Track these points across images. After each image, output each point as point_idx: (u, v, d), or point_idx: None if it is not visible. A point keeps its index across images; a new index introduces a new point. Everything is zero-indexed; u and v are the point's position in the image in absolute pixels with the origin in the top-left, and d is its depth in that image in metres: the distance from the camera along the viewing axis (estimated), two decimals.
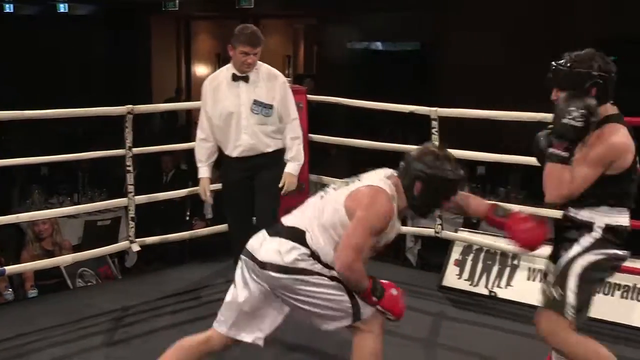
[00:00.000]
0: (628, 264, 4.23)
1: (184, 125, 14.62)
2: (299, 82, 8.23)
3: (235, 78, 4.32)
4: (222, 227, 5.44)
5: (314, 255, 2.81)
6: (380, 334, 2.89)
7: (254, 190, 4.44)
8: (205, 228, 5.83)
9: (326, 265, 2.82)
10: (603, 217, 2.87)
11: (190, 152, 4.75)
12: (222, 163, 4.51)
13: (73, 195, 7.50)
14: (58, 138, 10.10)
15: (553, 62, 2.89)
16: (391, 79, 11.19)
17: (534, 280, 4.66)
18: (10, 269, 4.55)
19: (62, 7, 14.00)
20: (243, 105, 4.29)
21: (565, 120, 2.71)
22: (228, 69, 4.37)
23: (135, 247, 4.77)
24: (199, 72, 15.99)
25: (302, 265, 2.80)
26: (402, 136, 7.94)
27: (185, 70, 15.98)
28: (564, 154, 2.75)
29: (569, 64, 2.84)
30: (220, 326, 2.97)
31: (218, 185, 4.70)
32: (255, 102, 4.29)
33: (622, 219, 2.89)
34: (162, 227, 5.99)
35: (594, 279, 2.92)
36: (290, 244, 2.82)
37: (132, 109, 4.65)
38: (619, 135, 2.79)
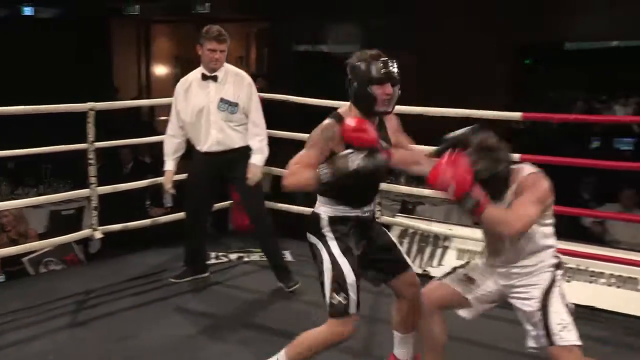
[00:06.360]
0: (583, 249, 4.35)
1: (146, 121, 14.39)
2: None
3: (204, 77, 4.30)
4: (181, 215, 5.38)
5: None
6: None
7: (236, 190, 4.44)
8: (164, 216, 5.73)
9: None
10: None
11: (154, 146, 4.68)
12: (193, 157, 4.48)
13: (38, 186, 7.31)
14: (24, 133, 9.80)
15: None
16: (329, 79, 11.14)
17: (462, 259, 4.73)
18: None
19: (28, 11, 13.68)
20: (211, 103, 4.28)
21: None
22: (198, 71, 4.35)
23: (98, 235, 4.69)
24: (158, 72, 15.78)
25: None
26: None
27: (146, 71, 15.74)
28: None
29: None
30: None
31: (182, 176, 4.65)
32: (222, 100, 4.28)
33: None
34: (124, 215, 5.88)
35: None
36: None
37: (94, 106, 4.55)
38: None
